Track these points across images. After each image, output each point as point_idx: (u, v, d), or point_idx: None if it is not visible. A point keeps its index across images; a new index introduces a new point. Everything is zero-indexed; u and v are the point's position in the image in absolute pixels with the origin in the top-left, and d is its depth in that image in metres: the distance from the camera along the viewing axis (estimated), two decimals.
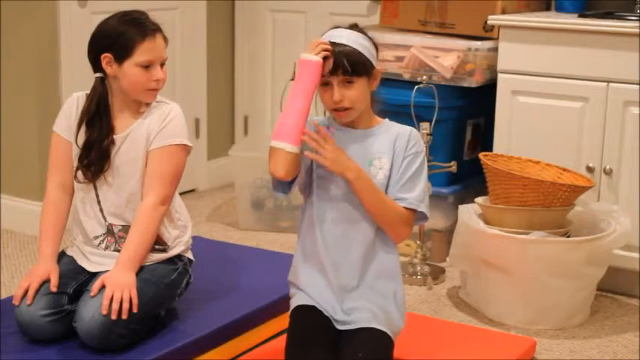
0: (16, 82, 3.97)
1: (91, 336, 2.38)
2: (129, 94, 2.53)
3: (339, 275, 2.36)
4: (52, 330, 2.46)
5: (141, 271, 2.51)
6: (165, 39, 2.56)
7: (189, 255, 2.68)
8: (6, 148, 4.05)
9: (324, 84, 2.29)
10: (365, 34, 2.34)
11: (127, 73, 2.49)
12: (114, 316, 2.37)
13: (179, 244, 2.62)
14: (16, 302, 2.47)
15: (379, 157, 2.34)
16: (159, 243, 2.58)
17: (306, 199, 2.42)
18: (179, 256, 2.63)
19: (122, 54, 2.48)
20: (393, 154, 2.35)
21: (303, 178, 2.37)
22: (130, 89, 2.52)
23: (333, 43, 2.29)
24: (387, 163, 2.34)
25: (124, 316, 2.39)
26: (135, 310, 2.41)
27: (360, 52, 2.29)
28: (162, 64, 2.54)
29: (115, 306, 2.38)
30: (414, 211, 2.34)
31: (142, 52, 2.48)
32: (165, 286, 2.56)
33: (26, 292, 2.46)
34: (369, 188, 2.30)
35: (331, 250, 2.36)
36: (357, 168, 2.29)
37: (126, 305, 2.40)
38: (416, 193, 2.34)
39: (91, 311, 2.39)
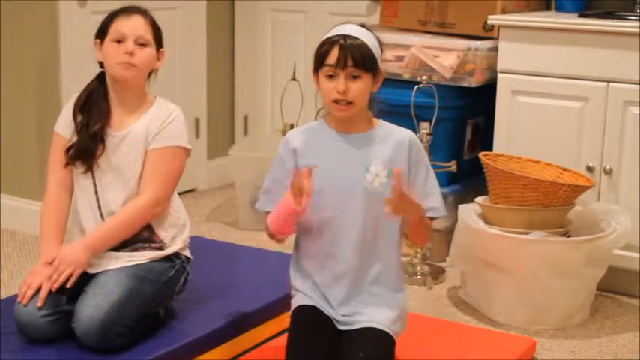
0: (16, 82, 3.97)
1: (89, 335, 2.38)
2: (110, 75, 2.55)
3: (337, 284, 2.36)
4: (51, 330, 2.45)
5: (137, 269, 2.50)
6: (154, 26, 2.57)
7: (187, 253, 2.68)
8: (6, 148, 4.05)
9: (329, 75, 2.28)
10: (373, 34, 2.34)
11: (104, 53, 2.54)
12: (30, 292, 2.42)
13: (176, 242, 2.62)
14: (24, 301, 2.43)
15: (375, 164, 2.32)
16: (156, 241, 2.57)
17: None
18: (176, 254, 2.62)
19: (102, 35, 2.54)
20: (395, 163, 2.32)
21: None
22: (107, 67, 2.55)
23: (343, 36, 2.27)
24: (383, 170, 2.32)
25: (54, 287, 2.42)
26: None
27: (369, 47, 2.29)
28: (142, 45, 2.53)
29: (57, 277, 2.42)
30: None
31: (115, 28, 2.52)
32: (163, 283, 2.55)
33: (36, 291, 2.45)
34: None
35: (328, 259, 2.36)
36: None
37: (61, 279, 2.43)
38: (439, 198, 2.38)
39: (88, 311, 2.39)
